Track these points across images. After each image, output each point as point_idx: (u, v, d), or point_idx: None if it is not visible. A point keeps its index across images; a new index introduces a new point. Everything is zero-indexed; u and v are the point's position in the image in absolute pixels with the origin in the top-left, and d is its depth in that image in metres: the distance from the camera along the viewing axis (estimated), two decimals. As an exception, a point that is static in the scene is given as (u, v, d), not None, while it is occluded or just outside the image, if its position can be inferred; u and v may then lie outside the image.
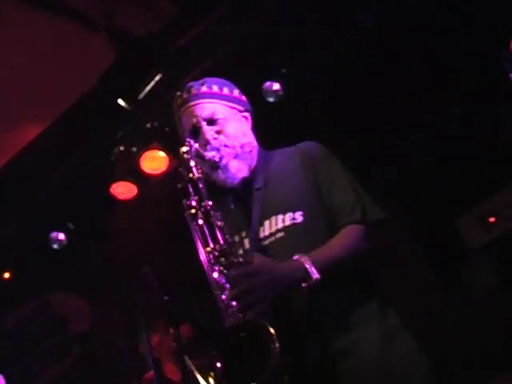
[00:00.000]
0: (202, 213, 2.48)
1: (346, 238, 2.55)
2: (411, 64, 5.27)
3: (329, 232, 2.59)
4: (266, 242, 2.61)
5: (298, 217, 2.60)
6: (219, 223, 2.48)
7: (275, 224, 2.62)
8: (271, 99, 5.39)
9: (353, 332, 2.48)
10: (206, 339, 2.31)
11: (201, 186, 2.54)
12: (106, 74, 5.16)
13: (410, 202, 5.21)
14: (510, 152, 4.43)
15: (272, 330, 2.18)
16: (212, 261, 2.43)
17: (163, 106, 5.49)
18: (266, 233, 2.63)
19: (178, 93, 2.90)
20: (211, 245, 2.45)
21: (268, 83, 5.39)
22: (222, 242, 2.46)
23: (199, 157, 2.65)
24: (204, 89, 2.83)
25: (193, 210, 2.50)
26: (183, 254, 2.98)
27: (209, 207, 2.49)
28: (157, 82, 5.21)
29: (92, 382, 5.98)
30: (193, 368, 4.48)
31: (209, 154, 2.69)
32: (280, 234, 2.60)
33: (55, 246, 6.03)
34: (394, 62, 5.30)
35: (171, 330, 4.80)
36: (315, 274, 2.37)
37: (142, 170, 5.74)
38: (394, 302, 2.70)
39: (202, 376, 4.44)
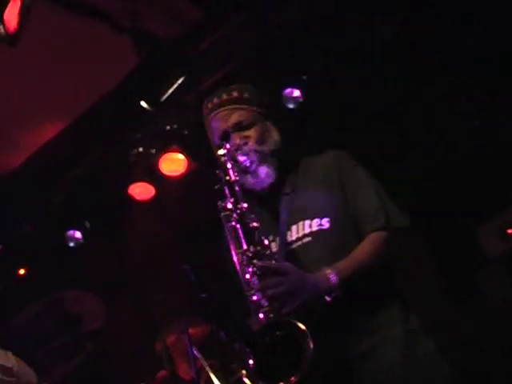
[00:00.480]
0: (238, 214, 2.54)
1: (368, 247, 2.61)
2: (417, 66, 5.35)
3: (355, 237, 2.66)
4: (294, 246, 2.67)
5: (325, 223, 2.66)
6: (254, 225, 2.54)
7: (302, 229, 2.68)
8: (291, 106, 5.46)
9: (376, 334, 2.54)
10: (240, 337, 2.34)
11: (237, 188, 2.59)
12: (128, 76, 5.22)
13: (428, 209, 5.28)
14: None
15: (305, 329, 2.23)
16: (245, 262, 2.48)
17: (183, 108, 5.58)
18: (294, 237, 2.69)
19: (209, 97, 2.94)
20: (244, 246, 2.50)
21: (289, 89, 5.46)
22: (256, 243, 2.51)
23: (233, 160, 2.70)
24: (235, 94, 2.87)
25: (228, 212, 2.55)
26: (210, 254, 3.03)
27: (244, 209, 2.55)
28: (179, 85, 5.27)
29: (103, 380, 6.03)
30: (207, 368, 4.54)
31: (241, 159, 2.74)
32: (307, 239, 2.66)
33: (72, 244, 6.09)
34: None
35: (189, 330, 4.87)
36: (338, 288, 2.45)
37: (160, 172, 5.81)
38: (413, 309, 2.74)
39: (216, 375, 4.50)
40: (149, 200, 5.97)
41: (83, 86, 5.34)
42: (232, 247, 2.53)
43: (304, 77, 5.45)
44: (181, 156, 5.81)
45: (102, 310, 6.34)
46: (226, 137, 2.80)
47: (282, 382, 2.23)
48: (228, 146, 2.71)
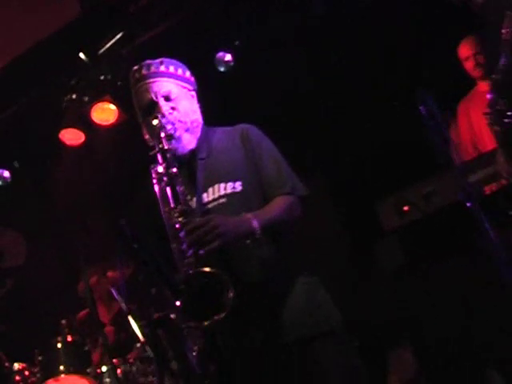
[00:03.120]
0: (168, 178, 2.85)
1: (280, 204, 2.98)
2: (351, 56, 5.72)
3: (263, 200, 3.02)
4: (210, 206, 3.00)
5: (238, 186, 3.01)
6: (181, 188, 2.86)
7: (218, 191, 3.02)
8: (222, 69, 5.74)
9: (280, 287, 2.93)
10: (166, 283, 2.66)
11: (168, 155, 2.90)
12: (68, 25, 5.36)
13: (338, 184, 5.72)
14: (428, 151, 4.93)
15: (227, 279, 2.61)
16: (172, 218, 2.81)
17: (119, 61, 5.79)
18: (210, 198, 3.01)
19: (136, 67, 3.18)
20: (172, 205, 2.82)
21: (220, 53, 5.73)
22: (183, 203, 2.83)
23: (162, 128, 2.99)
24: (162, 68, 3.15)
25: (159, 175, 2.87)
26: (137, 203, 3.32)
27: (174, 174, 2.86)
28: (117, 40, 5.47)
29: (23, 317, 6.23)
30: (126, 310, 4.84)
31: (168, 127, 3.02)
32: (222, 200, 2.99)
33: (-1, 183, 6.25)
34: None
35: (108, 273, 5.15)
36: (258, 228, 2.80)
37: (91, 120, 6.03)
38: (315, 268, 3.13)
39: (134, 319, 4.80)
40: (78, 146, 6.18)
41: (22, 29, 5.44)
42: (161, 205, 2.86)
43: (237, 42, 5.73)
44: (112, 106, 6.03)
45: (24, 247, 6.49)
46: (151, 106, 3.10)
47: (206, 320, 2.59)
48: (161, 116, 2.99)
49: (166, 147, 2.91)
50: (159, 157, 2.90)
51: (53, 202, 6.50)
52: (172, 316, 3.20)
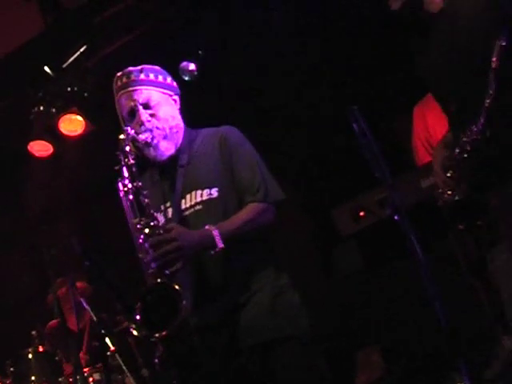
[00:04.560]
0: (133, 191, 2.94)
1: (248, 213, 3.05)
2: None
3: (239, 206, 3.10)
4: (187, 213, 3.10)
5: (214, 192, 3.10)
6: (146, 200, 2.95)
7: (194, 197, 3.11)
8: (186, 78, 5.81)
9: (252, 287, 3.02)
10: (116, 297, 2.76)
11: (134, 169, 2.99)
12: (33, 40, 5.42)
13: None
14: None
15: (180, 291, 2.71)
16: (138, 230, 2.90)
17: (84, 73, 5.85)
18: (187, 205, 3.12)
19: (118, 75, 3.29)
20: (138, 217, 2.92)
21: (184, 63, 5.80)
22: (147, 215, 2.93)
23: (134, 140, 3.08)
24: (142, 76, 3.24)
25: (126, 188, 2.96)
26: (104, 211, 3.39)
27: (139, 187, 2.95)
28: (81, 53, 5.53)
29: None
30: (95, 319, 4.91)
31: (142, 137, 3.13)
32: (198, 207, 3.10)
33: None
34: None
35: (77, 284, 5.20)
36: (220, 243, 2.89)
37: (59, 131, 6.08)
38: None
39: (104, 328, 4.88)
40: (47, 157, 6.22)
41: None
42: (128, 217, 2.95)
43: (200, 51, 5.80)
44: (80, 117, 6.09)
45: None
46: (132, 113, 3.20)
47: (157, 332, 2.72)
48: (130, 129, 3.07)
49: (130, 162, 2.99)
50: (124, 170, 2.99)
51: (23, 213, 6.53)
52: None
